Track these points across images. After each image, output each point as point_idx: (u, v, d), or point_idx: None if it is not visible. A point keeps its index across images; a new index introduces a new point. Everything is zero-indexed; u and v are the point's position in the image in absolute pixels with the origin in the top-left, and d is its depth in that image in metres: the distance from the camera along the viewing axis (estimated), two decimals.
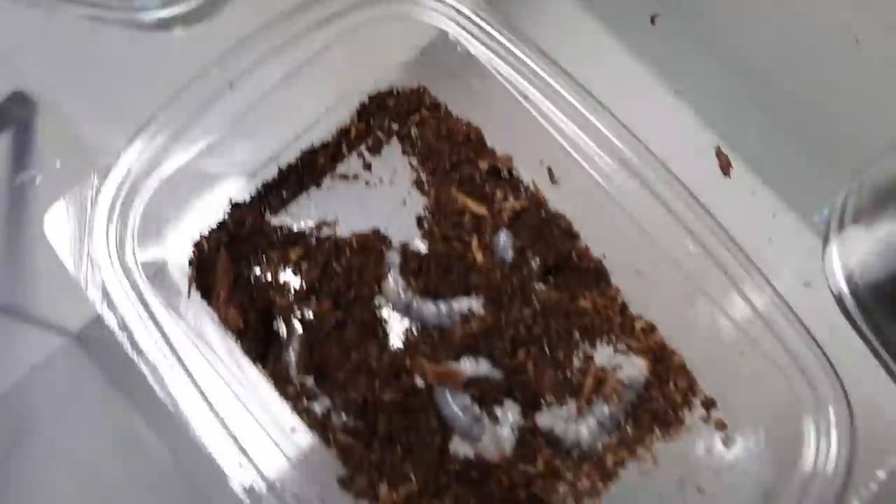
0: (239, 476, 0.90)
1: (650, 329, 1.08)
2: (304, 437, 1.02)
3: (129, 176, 0.98)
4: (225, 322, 1.03)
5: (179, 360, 0.93)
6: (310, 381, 1.04)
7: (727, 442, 1.05)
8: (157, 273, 1.01)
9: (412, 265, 1.06)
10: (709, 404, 1.06)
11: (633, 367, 1.05)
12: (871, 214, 0.99)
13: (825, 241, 1.11)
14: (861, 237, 1.02)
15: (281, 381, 1.04)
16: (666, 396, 1.06)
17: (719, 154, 1.15)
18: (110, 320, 0.94)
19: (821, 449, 0.92)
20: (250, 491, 0.89)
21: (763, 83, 1.19)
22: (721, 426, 1.05)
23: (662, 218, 0.98)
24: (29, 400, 1.11)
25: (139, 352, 0.93)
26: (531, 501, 1.02)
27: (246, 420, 0.94)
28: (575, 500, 1.03)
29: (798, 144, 1.17)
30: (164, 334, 0.94)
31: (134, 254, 0.97)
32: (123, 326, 0.94)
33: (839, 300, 1.08)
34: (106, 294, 0.95)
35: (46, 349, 1.11)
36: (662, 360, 1.07)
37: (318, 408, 1.03)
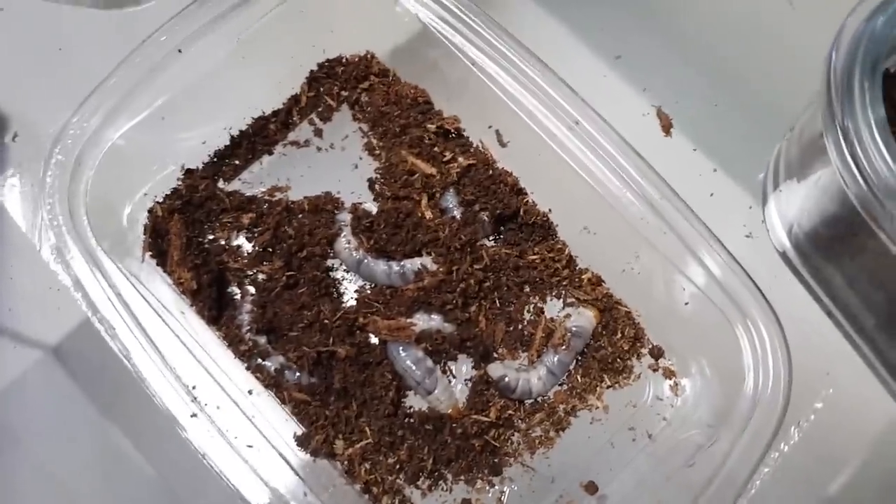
0: (192, 426, 0.91)
1: (597, 281, 1.11)
2: (261, 398, 1.04)
3: (79, 143, 0.99)
4: (178, 284, 1.04)
5: (136, 320, 0.95)
6: (262, 339, 1.06)
7: (675, 389, 1.08)
8: (112, 238, 1.02)
9: (363, 224, 1.08)
10: (657, 353, 1.09)
11: (582, 318, 1.08)
12: (800, 167, 1.03)
13: (764, 199, 1.15)
14: (795, 190, 1.05)
15: (234, 341, 1.05)
16: (614, 345, 1.08)
17: (660, 115, 1.19)
18: (66, 282, 0.95)
19: (761, 388, 0.94)
20: (204, 439, 0.91)
21: (699, 47, 1.24)
22: (669, 374, 1.09)
23: (608, 175, 1.00)
24: (7, 414, 1.11)
25: (96, 312, 0.94)
26: (485, 451, 1.04)
27: (203, 378, 0.95)
28: (528, 449, 1.06)
29: (735, 105, 1.20)
30: (119, 296, 0.95)
31: (87, 219, 0.98)
32: (79, 287, 0.95)
33: (782, 254, 1.12)
34: (62, 257, 0.96)
35: (24, 363, 1.12)
36: (609, 310, 1.10)
37: (272, 366, 1.05)
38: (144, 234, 1.07)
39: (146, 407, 1.05)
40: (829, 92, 0.86)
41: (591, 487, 1.05)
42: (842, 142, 0.85)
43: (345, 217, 1.10)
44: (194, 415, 0.92)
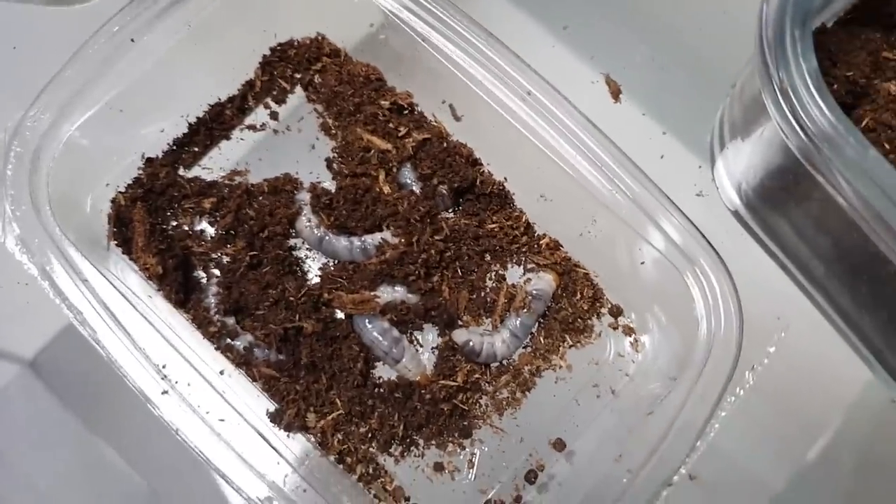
0: (164, 403, 0.93)
1: (555, 246, 1.14)
2: (233, 378, 1.06)
3: (36, 137, 1.00)
4: (144, 270, 1.06)
5: (104, 305, 0.96)
6: (230, 320, 1.08)
7: (635, 345, 1.12)
8: (77, 229, 1.03)
9: (322, 202, 1.10)
10: (616, 312, 1.13)
11: (541, 281, 1.11)
12: (743, 124, 1.06)
13: (712, 158, 1.18)
14: (740, 146, 1.08)
15: (203, 323, 1.07)
16: (574, 306, 1.12)
17: (608, 82, 1.21)
18: (32, 271, 0.96)
19: (714, 334, 0.98)
20: (176, 414, 0.93)
21: (642, 14, 1.27)
22: (628, 331, 1.12)
23: (561, 143, 1.02)
24: None
25: (64, 300, 0.96)
26: (454, 414, 1.07)
27: (173, 358, 0.97)
28: (496, 411, 1.09)
29: (679, 68, 1.24)
30: (86, 282, 0.97)
31: (51, 210, 0.99)
32: (46, 276, 0.96)
33: (733, 211, 1.15)
34: (27, 248, 0.97)
35: (1, 377, 1.13)
36: (568, 273, 1.13)
37: (241, 344, 1.07)
38: (108, 223, 1.08)
39: (127, 412, 1.11)
40: (763, 46, 0.88)
41: (559, 444, 1.08)
42: (778, 94, 0.88)
43: (304, 196, 1.12)
44: (165, 392, 0.93)
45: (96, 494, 1.13)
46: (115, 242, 1.08)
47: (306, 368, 1.06)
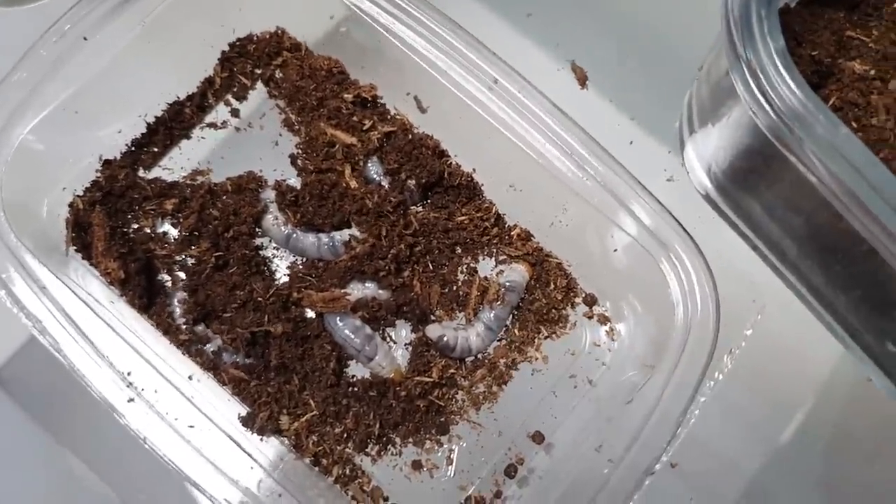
0: (130, 411, 0.90)
1: (526, 236, 1.12)
2: (202, 383, 1.03)
3: None
4: (105, 275, 1.02)
5: (65, 313, 0.93)
6: (200, 328, 1.05)
7: (611, 334, 1.11)
8: (34, 235, 0.99)
9: (288, 198, 1.08)
10: (590, 301, 1.11)
11: (514, 273, 1.09)
12: (712, 107, 1.06)
13: (681, 143, 1.18)
14: (709, 130, 1.08)
15: (171, 329, 1.04)
16: (548, 297, 1.10)
17: (574, 68, 1.20)
18: None
19: (691, 318, 0.97)
20: (143, 422, 0.90)
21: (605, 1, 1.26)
22: (603, 320, 1.11)
23: (530, 131, 1.01)
24: None
25: (22, 309, 0.93)
26: (430, 411, 1.06)
27: (138, 364, 0.94)
28: (473, 406, 1.07)
29: (645, 53, 1.23)
30: (45, 290, 0.94)
31: (4, 216, 0.96)
32: (2, 285, 0.93)
33: (704, 195, 1.15)
34: None
35: None
36: (541, 263, 1.11)
37: (210, 348, 1.04)
38: (66, 228, 1.04)
39: (96, 424, 1.07)
40: (730, 27, 0.88)
41: (538, 437, 1.07)
42: (746, 74, 0.87)
43: (269, 194, 1.09)
44: (131, 399, 0.91)
45: None
46: (75, 248, 1.05)
47: (277, 370, 1.03)
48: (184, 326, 1.04)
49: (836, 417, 1.15)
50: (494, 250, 1.12)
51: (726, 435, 1.12)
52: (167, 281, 1.08)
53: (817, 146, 0.84)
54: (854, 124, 0.94)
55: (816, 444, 1.13)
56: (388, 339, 1.09)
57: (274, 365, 1.03)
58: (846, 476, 1.14)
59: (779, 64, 0.85)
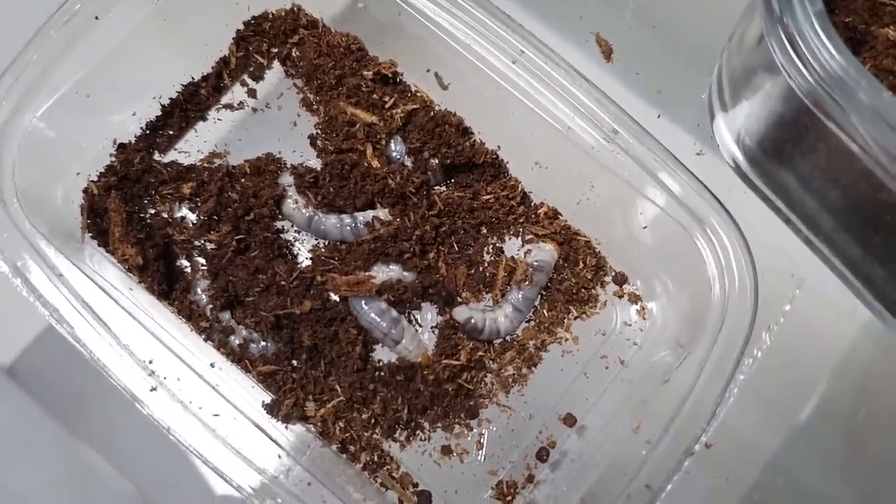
0: (153, 401, 0.88)
1: (553, 215, 1.09)
2: (224, 370, 1.01)
3: None
4: (123, 261, 1.00)
5: (82, 301, 0.91)
6: (226, 315, 1.03)
7: (642, 313, 1.08)
8: (49, 222, 0.97)
9: (306, 181, 1.05)
10: (620, 279, 1.08)
11: (542, 252, 1.06)
12: (743, 76, 1.02)
13: (711, 115, 1.14)
14: (741, 100, 1.05)
15: (194, 316, 1.02)
16: (577, 276, 1.07)
17: (599, 41, 1.17)
18: (3, 268, 0.91)
19: (728, 295, 0.94)
20: (166, 412, 0.88)
21: None
22: (634, 299, 1.08)
23: (558, 104, 0.98)
24: None
25: (40, 298, 0.90)
26: (459, 394, 1.03)
27: (160, 352, 0.92)
28: (502, 388, 1.05)
29: (672, 25, 1.19)
30: (61, 277, 0.91)
31: (19, 203, 0.93)
32: (18, 273, 0.90)
33: (735, 167, 1.12)
34: None
35: None
36: (569, 242, 1.08)
37: (236, 340, 1.02)
38: (82, 214, 1.02)
39: (113, 415, 1.05)
40: None
41: (570, 419, 1.04)
42: (784, 40, 0.85)
43: (287, 179, 1.07)
44: (154, 388, 0.88)
45: (84, 502, 1.08)
46: (91, 234, 1.02)
47: (308, 351, 1.01)
48: (209, 314, 1.02)
49: (875, 394, 1.12)
50: (521, 230, 1.09)
51: (758, 412, 1.09)
52: (186, 267, 1.05)
53: (859, 113, 0.81)
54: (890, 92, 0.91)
55: (853, 420, 1.10)
56: (414, 322, 1.07)
57: (307, 346, 1.00)
58: (883, 447, 1.12)
59: (818, 27, 0.82)
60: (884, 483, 1.11)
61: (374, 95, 1.07)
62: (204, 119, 1.12)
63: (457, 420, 1.03)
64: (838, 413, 1.11)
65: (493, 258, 1.08)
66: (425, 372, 1.02)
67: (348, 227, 1.04)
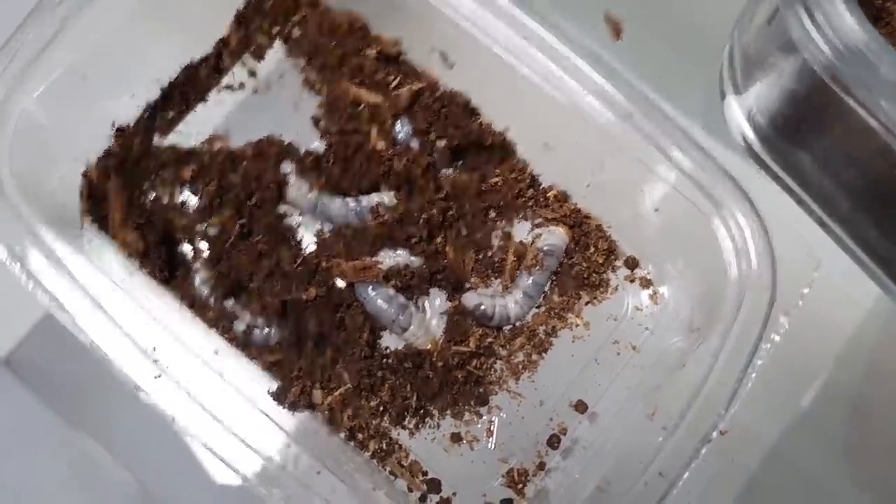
0: (156, 389, 0.86)
1: (563, 198, 1.07)
2: (228, 357, 0.99)
3: None
4: (124, 246, 0.98)
5: (82, 288, 0.88)
6: (230, 303, 1.00)
7: (654, 297, 1.06)
8: (47, 207, 0.94)
9: (308, 164, 1.03)
10: (632, 263, 1.06)
11: (552, 236, 1.04)
12: (756, 53, 1.00)
13: (722, 93, 1.12)
14: (753, 77, 1.03)
15: (197, 304, 1.00)
16: (587, 260, 1.05)
17: (608, 19, 1.14)
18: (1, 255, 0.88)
19: (745, 279, 0.92)
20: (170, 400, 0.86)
21: None
22: (646, 283, 1.06)
23: (566, 79, 0.96)
24: None
25: (39, 285, 0.88)
26: (469, 381, 1.01)
27: (163, 339, 0.90)
28: (512, 375, 1.03)
29: (684, 3, 1.16)
30: (60, 262, 0.89)
31: (16, 188, 0.91)
32: (16, 259, 0.88)
33: (747, 147, 1.09)
34: None
35: None
36: (579, 225, 1.06)
37: (240, 326, 1.00)
38: (81, 199, 0.99)
39: (114, 406, 1.05)
40: None
41: (581, 406, 1.02)
42: (802, 13, 0.82)
43: (287, 167, 1.04)
44: (158, 376, 0.86)
45: (84, 495, 1.08)
46: (90, 220, 0.99)
47: (315, 338, 0.99)
48: (212, 303, 1.00)
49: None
50: (529, 213, 1.07)
51: (774, 396, 1.08)
52: (189, 251, 1.03)
53: (881, 88, 0.79)
54: None
55: (871, 404, 1.10)
56: (421, 308, 1.04)
57: (313, 333, 0.98)
58: None
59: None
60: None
61: (378, 75, 1.04)
62: (204, 101, 1.09)
63: (466, 407, 1.01)
64: (846, 398, 1.10)
65: (501, 243, 1.06)
66: (434, 359, 1.00)
67: (353, 211, 1.02)
